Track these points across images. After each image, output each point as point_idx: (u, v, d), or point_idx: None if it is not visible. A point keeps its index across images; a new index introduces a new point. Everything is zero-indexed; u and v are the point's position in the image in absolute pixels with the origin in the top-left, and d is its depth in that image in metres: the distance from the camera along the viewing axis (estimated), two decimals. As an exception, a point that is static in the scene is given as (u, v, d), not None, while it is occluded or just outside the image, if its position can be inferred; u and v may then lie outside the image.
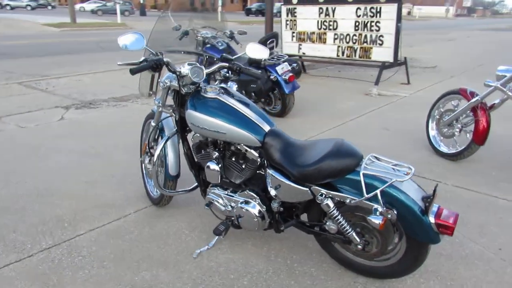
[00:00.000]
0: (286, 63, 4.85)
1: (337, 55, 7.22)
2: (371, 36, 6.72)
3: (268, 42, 4.75)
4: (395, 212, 1.83)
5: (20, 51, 10.72)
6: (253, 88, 4.81)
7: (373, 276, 2.17)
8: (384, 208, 1.83)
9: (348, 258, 2.20)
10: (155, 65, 2.12)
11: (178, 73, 2.21)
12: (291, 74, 4.77)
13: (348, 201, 1.92)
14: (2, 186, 3.10)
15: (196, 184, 2.56)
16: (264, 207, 2.19)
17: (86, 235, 2.52)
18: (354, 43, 6.94)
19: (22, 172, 3.36)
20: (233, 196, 2.29)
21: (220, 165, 2.29)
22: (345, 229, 1.98)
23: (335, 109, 5.57)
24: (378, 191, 1.83)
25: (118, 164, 3.56)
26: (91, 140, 4.16)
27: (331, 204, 1.97)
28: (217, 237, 2.44)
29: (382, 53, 6.68)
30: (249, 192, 2.22)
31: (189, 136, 2.47)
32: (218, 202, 2.32)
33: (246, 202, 2.21)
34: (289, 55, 7.62)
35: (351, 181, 1.92)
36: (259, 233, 2.54)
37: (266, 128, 2.14)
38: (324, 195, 1.97)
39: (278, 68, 4.76)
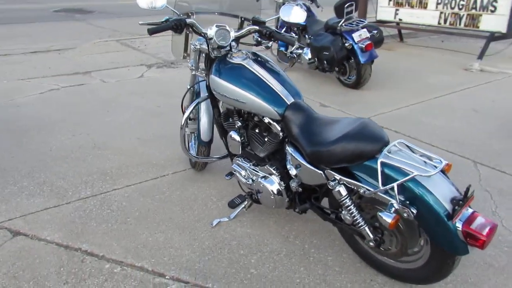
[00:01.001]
0: (365, 30, 4.42)
1: (438, 23, 6.39)
2: (482, 0, 5.78)
3: (346, 6, 4.34)
4: (414, 211, 1.55)
5: (128, 10, 11.48)
6: (325, 56, 4.49)
7: (394, 278, 1.92)
8: (400, 205, 1.56)
9: (369, 253, 1.97)
10: (175, 26, 2.02)
11: (204, 35, 2.10)
12: (369, 42, 4.34)
13: (362, 191, 1.68)
14: (68, 137, 3.38)
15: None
16: (284, 185, 2.04)
17: (121, 190, 2.63)
18: (461, 8, 6.05)
19: (88, 124, 3.62)
20: (254, 170, 2.17)
21: (242, 136, 2.18)
22: (357, 221, 1.75)
23: (422, 84, 4.98)
24: (395, 184, 1.56)
25: (174, 125, 3.63)
26: (160, 99, 4.31)
27: (343, 192, 1.75)
28: (239, 209, 2.37)
29: (493, 22, 5.73)
30: (270, 168, 2.09)
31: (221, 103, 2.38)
32: (240, 174, 2.23)
33: (265, 178, 2.08)
34: (383, 22, 7.03)
35: (369, 169, 1.67)
36: (284, 212, 2.40)
37: (290, 100, 1.95)
38: (337, 181, 1.75)
39: (355, 35, 4.36)
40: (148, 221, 2.35)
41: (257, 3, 2.52)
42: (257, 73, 2.02)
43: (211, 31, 2.07)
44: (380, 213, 1.58)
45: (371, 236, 1.75)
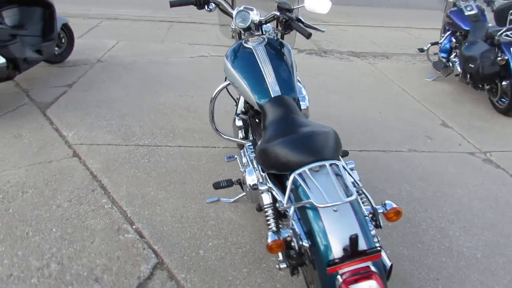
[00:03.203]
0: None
1: None
2: None
3: (511, 12, 3.48)
4: (306, 244, 1.33)
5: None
6: (470, 68, 3.77)
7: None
8: (290, 230, 1.36)
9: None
10: (199, 2, 2.08)
11: (230, 15, 2.12)
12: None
13: (278, 204, 1.51)
14: (175, 96, 3.87)
15: None
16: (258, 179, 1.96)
17: (170, 148, 2.94)
18: None
19: (202, 89, 4.03)
20: (252, 160, 2.13)
21: (241, 122, 2.16)
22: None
23: None
24: (292, 206, 1.36)
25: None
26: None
27: (266, 200, 1.60)
28: (241, 195, 2.36)
29: None
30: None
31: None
32: (239, 159, 2.22)
33: (248, 167, 2.03)
34: None
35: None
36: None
37: (275, 93, 1.84)
38: (266, 187, 1.61)
39: (517, 49, 3.50)
40: (166, 179, 2.58)
41: None
42: (258, 60, 1.94)
43: (234, 12, 2.07)
44: (268, 232, 1.40)
45: (280, 257, 1.54)
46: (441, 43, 4.78)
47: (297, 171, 1.38)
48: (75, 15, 6.86)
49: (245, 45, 2.04)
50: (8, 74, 3.33)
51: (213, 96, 2.48)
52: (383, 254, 1.43)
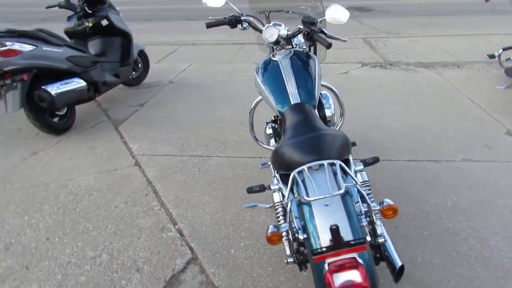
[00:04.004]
0: None
1: None
2: None
3: None
4: (302, 236, 1.43)
5: (406, 9, 11.30)
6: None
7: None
8: (286, 224, 1.47)
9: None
10: (229, 22, 2.29)
11: (261, 31, 2.29)
12: None
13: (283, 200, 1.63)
14: (232, 111, 4.13)
15: None
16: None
17: (220, 158, 3.17)
18: None
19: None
20: None
21: (271, 130, 2.30)
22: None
23: None
24: (289, 201, 1.47)
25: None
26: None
27: (276, 199, 1.71)
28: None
29: None
30: None
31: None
32: (270, 166, 2.36)
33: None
34: None
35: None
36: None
37: (295, 101, 1.96)
38: (276, 186, 1.73)
39: None
40: (212, 186, 2.81)
41: (318, 3, 2.35)
42: (282, 71, 2.09)
43: (264, 28, 2.25)
44: (270, 225, 1.52)
45: (287, 251, 1.63)
46: (514, 48, 4.48)
47: (297, 170, 1.49)
48: (157, 42, 7.60)
49: (273, 58, 2.20)
50: (89, 95, 3.86)
51: (251, 107, 2.67)
52: (394, 254, 1.48)
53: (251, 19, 2.31)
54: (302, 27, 2.16)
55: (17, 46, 3.24)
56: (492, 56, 4.65)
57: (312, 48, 2.51)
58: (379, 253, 1.58)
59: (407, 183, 2.71)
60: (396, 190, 2.65)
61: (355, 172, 1.68)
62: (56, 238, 2.34)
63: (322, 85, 2.54)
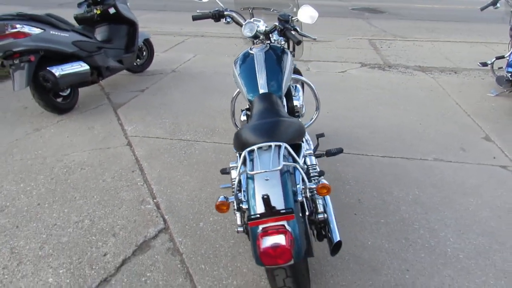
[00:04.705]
0: None
1: None
2: None
3: None
4: (244, 205, 1.62)
5: (417, 13, 11.33)
6: None
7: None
8: (233, 196, 1.67)
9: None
10: (213, 15, 2.49)
11: (242, 25, 2.49)
12: None
13: (238, 177, 1.83)
14: (224, 100, 4.33)
15: None
16: None
17: (206, 143, 3.38)
18: None
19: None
20: None
21: (245, 117, 2.49)
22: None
23: None
24: (238, 175, 1.68)
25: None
26: (325, 92, 4.66)
27: (233, 175, 1.92)
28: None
29: None
30: None
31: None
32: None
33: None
34: None
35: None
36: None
37: (263, 91, 2.15)
38: (233, 163, 1.94)
39: None
40: (194, 167, 3.02)
41: (296, 2, 2.52)
42: (255, 63, 2.28)
43: (244, 23, 2.44)
44: (220, 196, 1.72)
45: (238, 222, 1.82)
46: (507, 57, 4.58)
47: (248, 149, 1.69)
48: (168, 32, 7.84)
49: (250, 51, 2.39)
50: (92, 79, 4.11)
51: (233, 96, 2.88)
52: (335, 230, 1.68)
53: (234, 14, 2.50)
54: (277, 24, 2.34)
55: (26, 28, 3.49)
56: (484, 64, 4.75)
57: (291, 45, 2.70)
58: (324, 230, 1.78)
59: (376, 177, 2.88)
60: (365, 182, 2.83)
61: (304, 156, 1.87)
62: (46, 204, 2.58)
63: (300, 79, 2.73)
